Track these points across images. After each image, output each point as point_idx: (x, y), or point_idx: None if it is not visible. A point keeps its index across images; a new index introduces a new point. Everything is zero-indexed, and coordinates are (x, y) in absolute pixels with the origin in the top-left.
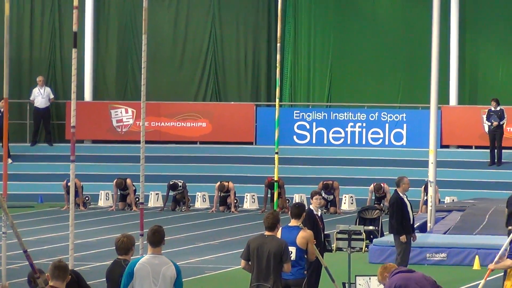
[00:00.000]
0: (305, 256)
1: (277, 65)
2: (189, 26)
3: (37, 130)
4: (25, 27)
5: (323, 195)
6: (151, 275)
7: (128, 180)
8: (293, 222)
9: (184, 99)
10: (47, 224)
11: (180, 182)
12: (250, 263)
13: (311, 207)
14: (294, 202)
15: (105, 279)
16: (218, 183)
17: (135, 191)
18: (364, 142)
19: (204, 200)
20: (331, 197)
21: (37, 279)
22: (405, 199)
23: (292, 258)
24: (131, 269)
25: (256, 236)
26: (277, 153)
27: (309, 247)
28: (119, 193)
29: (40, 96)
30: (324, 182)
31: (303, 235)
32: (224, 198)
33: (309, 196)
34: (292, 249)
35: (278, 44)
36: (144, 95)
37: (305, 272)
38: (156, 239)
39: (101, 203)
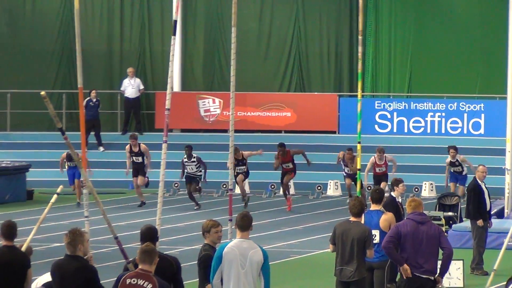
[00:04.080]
0: None
1: (359, 57)
2: (274, 19)
3: (128, 119)
4: (115, 20)
5: None
6: (239, 258)
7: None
8: (374, 207)
9: (269, 89)
10: (136, 210)
11: None
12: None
13: (393, 194)
14: (374, 188)
15: (194, 262)
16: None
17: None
18: (443, 131)
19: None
20: None
21: (127, 264)
22: (483, 186)
23: (375, 241)
24: (220, 253)
25: (342, 222)
26: (359, 143)
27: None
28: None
29: (131, 87)
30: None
31: (385, 218)
32: None
33: (390, 183)
34: (376, 232)
35: (360, 37)
36: (234, 85)
37: None
38: (245, 223)
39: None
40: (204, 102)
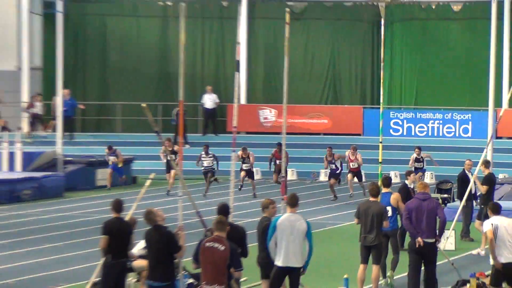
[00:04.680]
0: (397, 212)
1: (381, 78)
2: (316, 49)
3: (207, 124)
4: (197, 50)
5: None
6: (289, 227)
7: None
8: (384, 190)
9: (311, 102)
10: (215, 192)
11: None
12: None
13: (406, 182)
14: (384, 176)
15: (254, 230)
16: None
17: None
18: (441, 134)
19: (326, 174)
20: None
21: (206, 231)
22: (469, 175)
23: (389, 215)
24: (275, 223)
25: (364, 201)
26: (381, 142)
27: (399, 204)
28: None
29: (209, 100)
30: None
31: (394, 197)
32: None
33: (404, 173)
34: (388, 208)
35: (382, 64)
36: (286, 99)
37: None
38: (293, 201)
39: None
40: (263, 111)
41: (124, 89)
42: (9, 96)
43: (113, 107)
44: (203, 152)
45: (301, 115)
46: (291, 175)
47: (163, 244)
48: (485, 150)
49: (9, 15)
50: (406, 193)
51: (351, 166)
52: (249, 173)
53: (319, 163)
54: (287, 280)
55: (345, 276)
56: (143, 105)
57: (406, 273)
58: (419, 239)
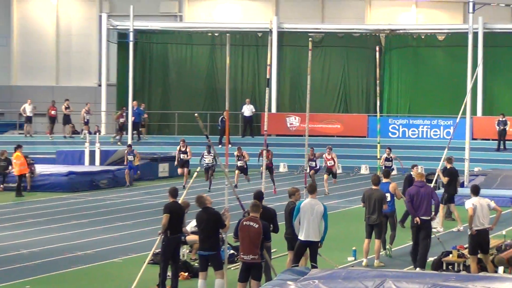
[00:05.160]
0: (395, 197)
1: (377, 93)
2: (331, 69)
3: (245, 129)
4: (238, 71)
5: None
6: (309, 209)
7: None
8: (384, 180)
9: (327, 111)
10: (253, 181)
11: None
12: (364, 204)
13: (412, 173)
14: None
15: (282, 212)
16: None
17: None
18: (429, 137)
19: (338, 168)
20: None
21: (244, 213)
22: (454, 168)
23: (388, 200)
24: (299, 206)
25: (368, 189)
26: (379, 143)
27: (396, 192)
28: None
29: (247, 110)
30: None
31: (392, 186)
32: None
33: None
34: (388, 195)
35: (378, 81)
36: (308, 109)
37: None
38: (312, 189)
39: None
40: (289, 118)
41: (180, 101)
42: (91, 106)
43: (172, 115)
44: (206, 152)
45: (319, 121)
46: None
47: (211, 222)
48: (446, 148)
49: (92, 44)
50: (410, 181)
51: (328, 165)
52: (243, 170)
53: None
54: (307, 252)
55: (353, 248)
56: (196, 114)
57: (401, 246)
58: (417, 218)
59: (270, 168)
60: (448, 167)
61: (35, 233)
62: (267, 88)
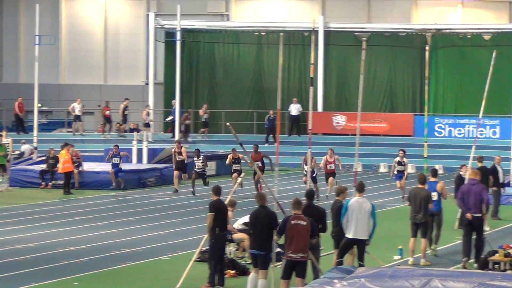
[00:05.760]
0: (441, 197)
1: (425, 93)
2: (377, 68)
3: (292, 128)
4: (285, 70)
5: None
6: (357, 208)
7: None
8: (432, 179)
9: (374, 110)
10: (292, 180)
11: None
12: (410, 203)
13: (461, 172)
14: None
15: (329, 210)
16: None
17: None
18: (475, 136)
19: (384, 167)
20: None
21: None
22: (499, 168)
23: (435, 199)
24: (347, 205)
25: (414, 187)
26: (426, 142)
27: (443, 191)
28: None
29: (294, 109)
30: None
31: (440, 185)
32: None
33: (447, 167)
34: (434, 193)
35: (426, 81)
36: (360, 108)
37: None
38: (361, 188)
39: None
40: (336, 117)
41: (227, 100)
42: (139, 105)
43: (219, 113)
44: (195, 156)
45: (365, 120)
46: (358, 167)
47: (266, 221)
48: (473, 147)
49: (139, 43)
50: (460, 180)
51: (328, 168)
52: (239, 173)
53: (380, 158)
54: (355, 251)
55: (399, 246)
56: (228, 124)
57: (448, 245)
58: (468, 214)
59: (313, 178)
60: (479, 166)
61: (83, 231)
62: (311, 87)
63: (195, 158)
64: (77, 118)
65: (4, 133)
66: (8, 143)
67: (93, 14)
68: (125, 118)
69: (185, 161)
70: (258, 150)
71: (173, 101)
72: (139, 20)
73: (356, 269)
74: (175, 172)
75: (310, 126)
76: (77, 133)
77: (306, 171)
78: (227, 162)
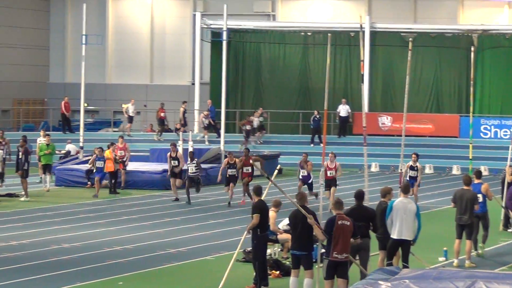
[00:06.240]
0: (486, 198)
1: (471, 94)
2: (423, 69)
3: (340, 128)
4: (330, 70)
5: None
6: (402, 208)
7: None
8: (476, 181)
9: (419, 111)
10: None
11: None
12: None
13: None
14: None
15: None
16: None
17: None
18: None
19: (430, 168)
20: None
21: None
22: None
23: (480, 200)
24: (391, 205)
25: (459, 189)
26: (471, 143)
27: (488, 193)
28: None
29: (343, 110)
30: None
31: (484, 186)
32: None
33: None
34: (479, 195)
35: (472, 82)
36: (406, 109)
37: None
38: (406, 189)
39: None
40: (381, 118)
41: (273, 100)
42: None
43: (265, 113)
44: (189, 159)
45: (411, 121)
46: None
47: (306, 221)
48: (510, 147)
49: (185, 43)
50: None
51: (328, 175)
52: (235, 179)
53: (425, 159)
54: (399, 252)
55: (444, 248)
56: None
57: (493, 247)
58: None
59: (309, 185)
60: None
61: (128, 230)
62: (362, 84)
63: (188, 162)
64: (130, 119)
65: (42, 133)
66: (45, 143)
67: (139, 14)
68: (185, 121)
69: (182, 171)
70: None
71: (208, 100)
72: (185, 20)
73: (401, 271)
74: (171, 180)
75: (364, 124)
76: (127, 133)
77: (302, 176)
78: (222, 166)
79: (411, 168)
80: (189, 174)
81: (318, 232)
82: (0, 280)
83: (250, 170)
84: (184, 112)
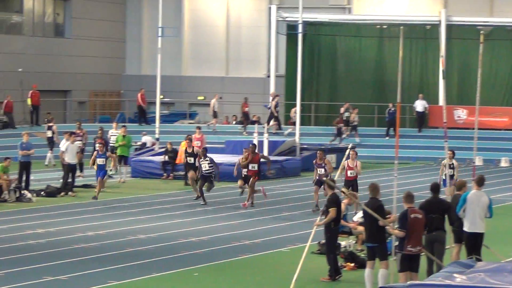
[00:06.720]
0: None
1: None
2: (499, 62)
3: (419, 123)
4: (406, 63)
5: None
6: (475, 200)
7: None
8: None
9: (494, 104)
10: (411, 174)
11: None
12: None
13: None
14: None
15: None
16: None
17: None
18: None
19: (506, 162)
20: None
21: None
22: None
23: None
24: (465, 197)
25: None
26: None
27: None
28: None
29: (420, 105)
30: None
31: None
32: None
33: None
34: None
35: None
36: (478, 102)
37: None
38: (481, 181)
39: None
40: (457, 111)
41: (348, 93)
42: (259, 97)
43: (340, 106)
44: (202, 157)
45: (486, 114)
46: (478, 161)
47: (378, 212)
48: None
49: (261, 35)
50: None
51: (349, 175)
52: (258, 174)
53: (500, 152)
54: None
55: None
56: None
57: None
58: None
59: (320, 182)
60: None
61: (203, 222)
62: (442, 79)
63: (202, 159)
64: (215, 114)
65: (114, 125)
66: (121, 134)
67: (215, 7)
68: (277, 115)
69: (196, 164)
70: (256, 151)
71: (272, 92)
72: (261, 13)
73: (476, 264)
74: (190, 174)
75: (444, 119)
76: (213, 130)
77: (318, 176)
78: (241, 163)
79: (449, 166)
80: (202, 172)
81: (394, 232)
82: (77, 270)
83: (256, 168)
84: (276, 106)
